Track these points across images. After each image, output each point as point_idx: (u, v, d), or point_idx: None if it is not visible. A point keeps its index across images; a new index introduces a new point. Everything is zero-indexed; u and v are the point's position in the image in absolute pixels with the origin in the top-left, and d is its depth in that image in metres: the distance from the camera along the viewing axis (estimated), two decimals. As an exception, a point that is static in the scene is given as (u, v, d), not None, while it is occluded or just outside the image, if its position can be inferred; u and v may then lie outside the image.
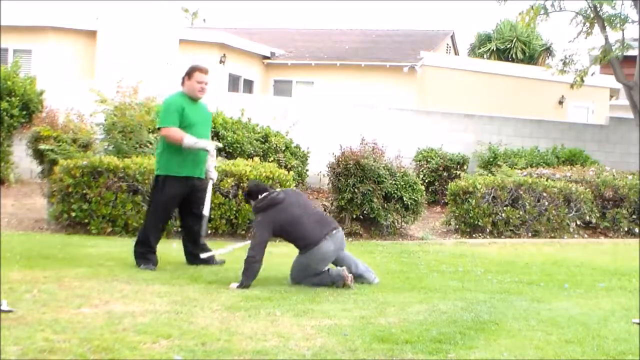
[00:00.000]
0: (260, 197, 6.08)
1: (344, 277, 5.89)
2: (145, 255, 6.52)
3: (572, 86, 15.28)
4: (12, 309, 4.44)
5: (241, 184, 8.95)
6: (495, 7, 60.19)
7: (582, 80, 15.00)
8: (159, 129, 6.72)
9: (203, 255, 6.65)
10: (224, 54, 19.01)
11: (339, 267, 6.01)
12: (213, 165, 6.80)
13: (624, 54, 14.31)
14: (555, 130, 15.55)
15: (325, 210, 10.24)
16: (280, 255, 6.85)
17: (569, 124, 16.54)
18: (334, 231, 6.07)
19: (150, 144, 10.25)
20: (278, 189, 6.51)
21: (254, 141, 11.90)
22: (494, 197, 10.59)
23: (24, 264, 6.12)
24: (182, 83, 6.68)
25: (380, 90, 18.89)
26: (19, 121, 11.65)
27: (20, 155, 11.83)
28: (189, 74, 6.61)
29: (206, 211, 6.68)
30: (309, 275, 5.96)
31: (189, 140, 6.40)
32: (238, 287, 5.66)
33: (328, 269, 5.99)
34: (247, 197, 6.41)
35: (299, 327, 4.48)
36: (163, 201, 6.59)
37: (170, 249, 7.73)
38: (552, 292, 6.26)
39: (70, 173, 8.71)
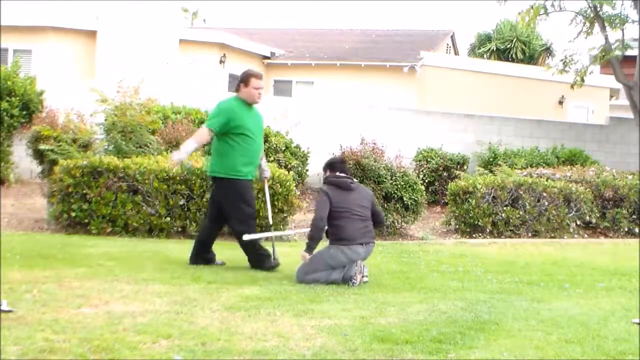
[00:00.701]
0: (337, 173, 6.38)
1: (361, 266, 6.08)
2: (261, 256, 6.66)
3: (572, 86, 15.28)
4: (12, 309, 4.43)
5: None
6: (495, 7, 60.31)
7: (583, 80, 15.00)
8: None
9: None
10: (224, 54, 19.00)
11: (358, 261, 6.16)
12: (265, 162, 6.96)
13: (624, 54, 14.31)
14: (555, 130, 15.55)
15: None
16: (281, 255, 6.86)
17: (569, 124, 16.54)
18: (371, 244, 6.34)
19: (150, 144, 10.24)
20: (356, 180, 6.63)
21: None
22: (494, 197, 10.59)
23: (24, 264, 6.12)
24: (237, 89, 6.76)
25: (380, 90, 18.89)
26: (19, 121, 11.65)
27: (20, 155, 11.82)
28: (245, 80, 6.69)
29: (270, 218, 6.92)
30: (325, 268, 6.08)
31: (189, 147, 6.59)
32: (305, 250, 6.15)
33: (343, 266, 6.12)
34: (326, 167, 6.58)
35: (299, 327, 4.48)
36: (239, 201, 6.62)
37: (170, 248, 7.74)
38: (552, 292, 6.26)
39: (70, 173, 8.71)
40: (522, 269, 7.62)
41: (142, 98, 10.63)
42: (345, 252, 6.12)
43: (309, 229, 6.29)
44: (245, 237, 6.51)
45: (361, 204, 6.31)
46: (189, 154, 6.76)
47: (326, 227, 6.24)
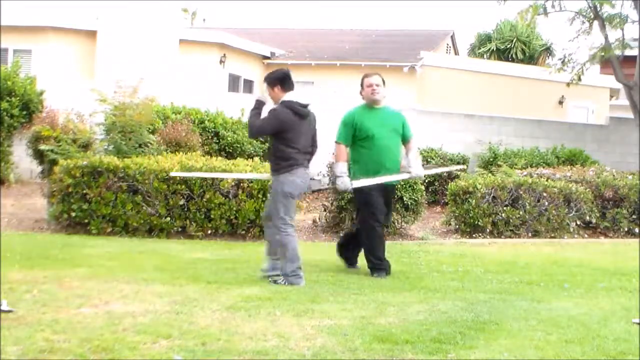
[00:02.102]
0: (291, 95, 6.00)
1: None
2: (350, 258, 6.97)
3: (568, 84, 15.28)
4: (12, 309, 4.44)
5: (241, 184, 8.94)
6: (495, 7, 60.13)
7: (580, 79, 14.99)
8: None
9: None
10: (224, 54, 19.00)
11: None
12: (414, 159, 7.01)
13: (624, 54, 14.31)
14: (555, 130, 15.54)
15: (325, 210, 10.25)
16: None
17: (569, 124, 16.52)
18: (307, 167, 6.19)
19: (150, 143, 10.24)
20: (309, 104, 6.20)
21: (254, 141, 11.91)
22: (494, 197, 10.58)
23: (24, 264, 6.13)
24: (361, 94, 6.88)
25: (380, 90, 18.86)
26: (19, 121, 11.66)
27: (20, 155, 11.83)
28: (361, 83, 6.84)
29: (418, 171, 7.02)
30: (283, 200, 5.96)
31: (340, 168, 6.70)
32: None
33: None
34: (274, 80, 6.07)
35: (299, 327, 4.48)
36: (365, 207, 6.76)
37: (170, 248, 7.75)
38: (552, 292, 6.26)
39: (70, 173, 8.71)
40: (522, 269, 7.61)
41: (141, 97, 10.63)
42: (295, 172, 5.96)
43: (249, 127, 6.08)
44: (356, 183, 6.58)
45: (308, 135, 6.13)
46: (346, 172, 6.72)
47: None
